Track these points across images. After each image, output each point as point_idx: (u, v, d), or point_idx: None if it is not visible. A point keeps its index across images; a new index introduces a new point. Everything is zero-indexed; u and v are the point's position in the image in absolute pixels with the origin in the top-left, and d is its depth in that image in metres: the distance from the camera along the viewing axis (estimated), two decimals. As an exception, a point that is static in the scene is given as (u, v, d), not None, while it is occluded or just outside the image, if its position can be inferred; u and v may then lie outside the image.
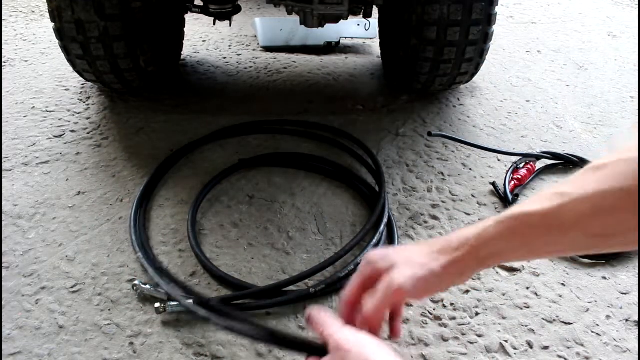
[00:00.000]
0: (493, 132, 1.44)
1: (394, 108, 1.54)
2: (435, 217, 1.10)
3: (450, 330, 0.85)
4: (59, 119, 1.44)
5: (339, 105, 1.55)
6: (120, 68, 1.39)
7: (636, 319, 0.87)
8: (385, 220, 1.02)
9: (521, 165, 1.23)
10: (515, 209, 0.52)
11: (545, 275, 0.95)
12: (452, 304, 0.89)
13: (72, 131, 1.38)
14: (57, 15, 1.28)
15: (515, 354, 0.81)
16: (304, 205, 1.12)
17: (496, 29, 1.38)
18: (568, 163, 1.26)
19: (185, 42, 1.80)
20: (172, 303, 0.83)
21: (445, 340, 0.83)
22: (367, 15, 1.38)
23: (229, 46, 1.98)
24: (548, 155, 1.26)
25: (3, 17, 2.21)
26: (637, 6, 2.58)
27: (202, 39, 2.04)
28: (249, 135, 1.36)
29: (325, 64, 1.84)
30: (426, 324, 0.86)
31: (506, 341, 0.83)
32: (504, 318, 0.87)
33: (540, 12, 2.50)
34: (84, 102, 1.54)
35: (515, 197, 1.14)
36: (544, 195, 0.50)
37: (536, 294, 0.92)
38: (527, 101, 1.61)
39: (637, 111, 1.57)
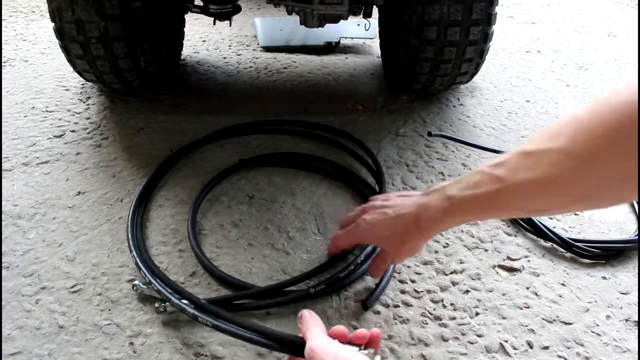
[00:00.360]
0: (493, 132, 1.44)
1: (394, 108, 1.54)
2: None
3: (450, 330, 0.85)
4: (59, 119, 1.44)
5: (339, 105, 1.55)
6: (120, 68, 1.39)
7: (636, 319, 0.87)
8: None
9: (521, 165, 1.23)
10: (460, 193, 0.63)
11: (545, 275, 0.95)
12: (452, 304, 0.89)
13: (72, 131, 1.38)
14: (57, 15, 1.28)
15: (515, 354, 0.81)
16: (304, 205, 1.12)
17: (496, 29, 1.38)
18: (568, 163, 1.26)
19: (185, 42, 1.80)
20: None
21: (445, 340, 0.83)
22: (367, 15, 1.38)
23: (229, 46, 1.99)
24: (548, 155, 1.26)
25: (3, 17, 2.21)
26: (637, 6, 2.58)
27: (202, 39, 2.04)
28: (249, 135, 1.36)
29: (325, 64, 1.85)
30: (426, 324, 0.86)
31: (506, 341, 0.83)
32: (504, 318, 0.87)
33: (540, 12, 2.51)
34: (84, 102, 1.54)
35: (515, 197, 1.14)
36: (483, 178, 0.59)
37: (536, 294, 0.92)
38: (527, 101, 1.61)
39: (637, 111, 1.57)
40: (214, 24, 1.57)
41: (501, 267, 0.98)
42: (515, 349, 0.82)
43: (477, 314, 0.88)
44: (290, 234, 1.04)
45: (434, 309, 0.88)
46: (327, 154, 1.27)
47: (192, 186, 1.16)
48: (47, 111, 1.48)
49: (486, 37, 1.36)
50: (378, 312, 0.87)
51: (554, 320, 0.87)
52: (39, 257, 0.97)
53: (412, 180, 1.22)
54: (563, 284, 0.94)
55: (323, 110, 1.52)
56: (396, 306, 0.89)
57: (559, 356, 0.81)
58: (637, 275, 0.96)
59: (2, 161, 1.24)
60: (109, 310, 0.86)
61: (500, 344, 0.82)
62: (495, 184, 0.57)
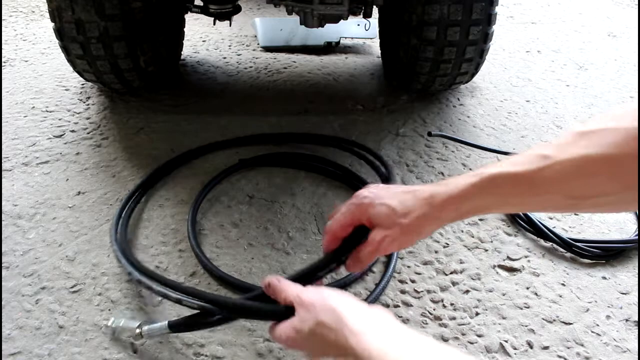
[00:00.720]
0: (493, 132, 1.44)
1: (394, 108, 1.54)
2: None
3: (450, 330, 0.85)
4: (59, 119, 1.44)
5: (339, 105, 1.55)
6: (120, 68, 1.39)
7: (636, 319, 0.87)
8: None
9: (521, 165, 1.22)
10: (496, 169, 0.54)
11: (545, 275, 0.95)
12: (452, 304, 0.89)
13: (72, 131, 1.38)
14: (57, 15, 1.28)
15: (515, 354, 0.81)
16: (304, 205, 1.12)
17: (496, 29, 1.38)
18: (568, 163, 1.26)
19: (185, 42, 1.80)
20: (146, 327, 0.77)
21: (445, 340, 0.83)
22: (367, 15, 1.38)
23: (229, 46, 1.99)
24: (548, 155, 1.26)
25: (3, 17, 2.21)
26: (637, 6, 2.58)
27: (202, 39, 2.04)
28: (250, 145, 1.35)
29: (325, 64, 1.84)
30: (426, 324, 0.86)
31: (506, 341, 0.83)
32: (504, 318, 0.87)
33: (540, 12, 2.50)
34: (84, 102, 1.54)
35: (515, 197, 1.14)
36: (526, 157, 0.52)
37: (536, 294, 0.92)
38: (527, 101, 1.61)
39: (637, 111, 1.57)
40: (214, 24, 1.57)
41: (501, 267, 0.97)
42: (515, 349, 0.82)
43: (477, 314, 0.88)
44: (290, 234, 1.04)
45: (434, 309, 0.88)
46: (327, 154, 1.27)
47: (192, 186, 1.16)
48: (47, 111, 1.48)
49: (486, 37, 1.36)
50: (378, 312, 0.87)
51: (554, 320, 0.87)
52: (39, 257, 0.97)
53: (412, 180, 1.22)
54: (563, 284, 0.94)
55: (323, 110, 1.52)
56: (396, 306, 0.89)
57: (559, 356, 0.81)
58: (637, 275, 0.96)
59: (2, 161, 1.24)
60: (109, 310, 0.86)
61: (500, 344, 0.82)
62: (539, 162, 0.50)
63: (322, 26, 1.30)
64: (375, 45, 1.98)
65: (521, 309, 0.89)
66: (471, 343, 0.83)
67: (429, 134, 1.27)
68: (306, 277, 0.66)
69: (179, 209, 1.10)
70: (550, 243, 1.02)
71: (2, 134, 1.35)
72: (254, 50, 1.95)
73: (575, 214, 1.11)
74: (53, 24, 1.31)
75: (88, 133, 1.38)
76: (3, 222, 1.05)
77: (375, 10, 1.52)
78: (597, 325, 0.86)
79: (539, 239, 1.04)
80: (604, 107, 1.59)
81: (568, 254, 1.00)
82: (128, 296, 0.89)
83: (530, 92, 1.67)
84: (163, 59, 1.55)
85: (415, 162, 1.28)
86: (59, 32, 1.32)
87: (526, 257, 1.00)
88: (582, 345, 0.82)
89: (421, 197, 0.59)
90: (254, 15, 2.31)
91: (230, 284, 0.91)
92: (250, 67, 1.80)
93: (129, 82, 1.47)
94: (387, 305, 0.88)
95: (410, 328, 0.50)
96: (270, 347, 0.81)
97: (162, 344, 0.81)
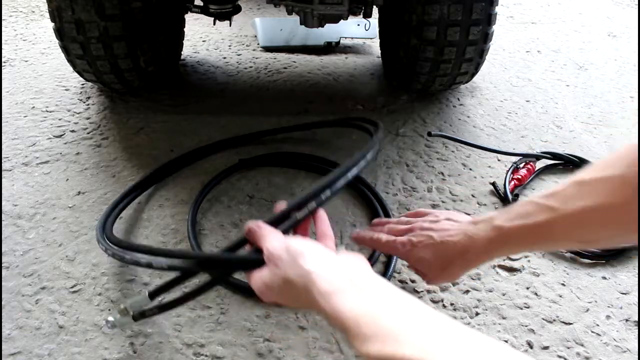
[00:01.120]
0: (493, 132, 1.44)
1: (394, 108, 1.54)
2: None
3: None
4: (59, 119, 1.44)
5: (339, 105, 1.55)
6: (120, 68, 1.39)
7: (636, 319, 0.87)
8: None
9: (521, 165, 1.23)
10: (511, 223, 0.60)
11: (545, 275, 0.95)
12: (452, 304, 0.89)
13: (72, 131, 1.38)
14: (57, 15, 1.28)
15: (515, 354, 0.81)
16: (304, 205, 1.12)
17: (496, 29, 1.38)
18: (568, 163, 1.26)
19: (185, 42, 1.80)
20: (129, 302, 0.74)
21: (445, 340, 0.83)
22: (367, 15, 1.38)
23: (229, 46, 1.99)
24: (548, 155, 1.26)
25: (3, 17, 2.21)
26: (637, 6, 2.58)
27: (202, 39, 2.04)
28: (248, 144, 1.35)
29: (325, 64, 1.85)
30: (426, 324, 0.86)
31: (506, 341, 0.83)
32: (504, 318, 0.87)
33: (540, 12, 2.50)
34: (84, 102, 1.54)
35: (515, 197, 1.14)
36: (534, 208, 0.58)
37: (536, 294, 0.92)
38: (527, 101, 1.61)
39: (637, 111, 1.57)
40: (214, 24, 1.57)
41: (501, 267, 0.97)
42: (515, 348, 0.82)
43: (477, 314, 0.88)
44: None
45: (434, 309, 0.88)
46: (327, 154, 1.27)
47: (192, 186, 1.16)
48: (47, 111, 1.48)
49: (486, 37, 1.36)
50: (378, 312, 0.87)
51: (554, 320, 0.87)
52: (39, 257, 0.97)
53: (412, 180, 1.22)
54: (563, 284, 0.94)
55: (323, 110, 1.52)
56: (396, 306, 0.89)
57: (559, 356, 0.81)
58: (637, 275, 0.96)
59: (2, 161, 1.24)
60: (109, 310, 0.86)
61: (500, 344, 0.82)
62: (546, 214, 0.55)
63: (322, 26, 1.30)
64: (375, 45, 1.98)
65: (521, 309, 0.89)
66: (471, 343, 0.83)
67: (429, 134, 1.27)
68: (283, 219, 0.63)
69: (179, 209, 1.10)
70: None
71: (2, 134, 1.35)
72: (254, 50, 1.95)
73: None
74: (53, 24, 1.31)
75: (88, 133, 1.38)
76: (3, 222, 1.05)
77: (375, 10, 1.52)
78: (597, 325, 0.86)
79: (539, 239, 1.04)
80: (604, 107, 1.59)
81: (568, 254, 1.00)
82: (128, 296, 0.89)
83: (530, 92, 1.67)
84: (163, 59, 1.55)
85: (415, 162, 1.28)
86: (59, 32, 1.32)
87: (526, 257, 1.00)
88: (582, 345, 0.82)
89: (457, 251, 0.67)
90: (254, 15, 2.31)
91: (229, 283, 0.91)
92: (250, 67, 1.81)
93: (129, 82, 1.47)
94: (387, 305, 0.88)
95: (386, 281, 0.46)
96: (270, 347, 0.81)
97: (162, 344, 0.81)
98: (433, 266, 0.71)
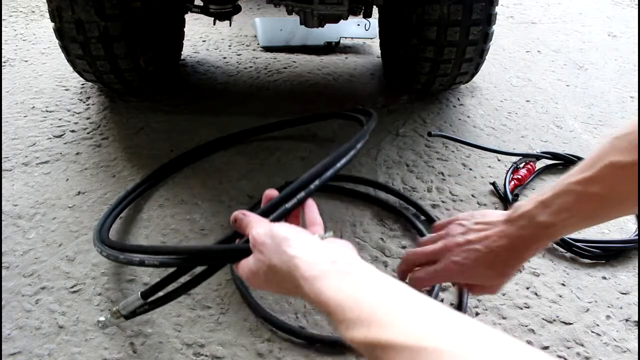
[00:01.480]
0: (493, 132, 1.44)
1: (394, 108, 1.54)
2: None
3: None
4: (59, 119, 1.44)
5: (339, 105, 1.55)
6: (120, 68, 1.39)
7: (636, 319, 0.87)
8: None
9: (521, 165, 1.23)
10: (550, 217, 0.59)
11: (545, 275, 0.95)
12: (452, 304, 0.89)
13: (72, 131, 1.38)
14: (57, 15, 1.28)
15: (515, 354, 0.81)
16: (304, 205, 1.12)
17: (496, 29, 1.38)
18: (568, 163, 1.26)
19: (185, 42, 1.80)
20: (121, 303, 0.74)
21: (445, 340, 0.83)
22: (367, 15, 1.38)
23: (229, 46, 1.99)
24: (548, 155, 1.26)
25: (3, 17, 2.21)
26: (637, 6, 2.58)
27: (202, 39, 2.04)
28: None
29: (325, 64, 1.84)
30: (426, 324, 0.86)
31: (506, 341, 0.83)
32: (504, 318, 0.87)
33: (540, 12, 2.50)
34: (84, 102, 1.54)
35: (515, 197, 1.14)
36: (577, 199, 0.57)
37: (536, 294, 0.92)
38: (527, 101, 1.61)
39: (637, 111, 1.57)
40: (214, 24, 1.57)
41: (501, 267, 0.97)
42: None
43: (477, 314, 0.88)
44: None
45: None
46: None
47: (192, 186, 1.16)
48: (47, 111, 1.48)
49: (486, 37, 1.36)
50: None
51: (554, 320, 0.87)
52: (39, 257, 0.97)
53: (412, 180, 1.22)
54: (563, 284, 0.94)
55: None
56: (396, 306, 0.88)
57: (559, 356, 0.81)
58: (637, 275, 0.96)
59: (2, 161, 1.24)
60: (109, 310, 0.86)
61: (500, 344, 0.82)
62: (594, 203, 0.55)
63: (322, 26, 1.30)
64: (375, 45, 1.98)
65: (521, 309, 0.89)
66: (471, 343, 0.82)
67: (429, 134, 1.27)
68: (273, 210, 0.63)
69: (179, 209, 1.10)
70: (551, 243, 1.02)
71: (2, 134, 1.35)
72: (254, 50, 1.95)
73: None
74: (53, 24, 1.31)
75: (88, 133, 1.38)
76: (3, 222, 1.05)
77: (375, 10, 1.52)
78: (597, 325, 0.86)
79: (539, 239, 1.04)
80: (604, 107, 1.59)
81: (568, 254, 1.00)
82: (128, 296, 0.88)
83: (530, 92, 1.67)
84: (163, 59, 1.55)
85: (415, 162, 1.28)
86: (59, 32, 1.32)
87: (526, 257, 1.00)
88: (582, 345, 0.82)
89: (508, 257, 0.65)
90: (254, 15, 2.31)
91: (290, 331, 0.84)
92: (250, 67, 1.81)
93: (129, 82, 1.47)
94: (387, 305, 0.88)
95: (371, 265, 0.45)
96: (270, 347, 0.81)
97: (162, 344, 0.81)
98: (490, 277, 0.68)
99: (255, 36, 2.04)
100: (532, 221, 0.61)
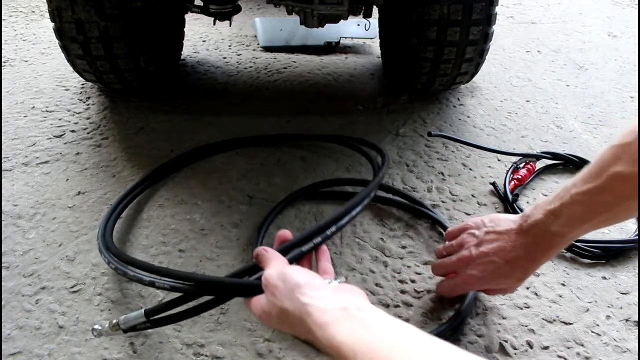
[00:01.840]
0: (493, 132, 1.44)
1: (394, 108, 1.54)
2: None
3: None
4: (59, 119, 1.44)
5: (339, 106, 1.55)
6: (120, 68, 1.39)
7: (636, 319, 0.87)
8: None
9: (521, 165, 1.23)
10: (564, 227, 0.64)
11: (545, 275, 0.95)
12: (452, 304, 0.89)
13: (72, 131, 1.38)
14: (57, 15, 1.28)
15: (515, 354, 0.81)
16: (304, 205, 1.12)
17: (496, 29, 1.38)
18: (568, 163, 1.26)
19: (185, 42, 1.80)
20: (122, 317, 0.72)
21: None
22: (367, 15, 1.38)
23: (229, 46, 1.99)
24: (548, 155, 1.26)
25: (3, 17, 2.21)
26: (637, 6, 2.58)
27: (202, 39, 2.04)
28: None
29: (325, 64, 1.85)
30: (426, 323, 0.86)
31: (506, 341, 0.83)
32: (504, 318, 0.87)
33: (540, 12, 2.51)
34: (84, 102, 1.54)
35: (515, 197, 1.14)
36: (588, 208, 0.61)
37: (536, 294, 0.92)
38: (527, 101, 1.61)
39: (637, 111, 1.57)
40: (214, 24, 1.57)
41: (501, 267, 0.97)
42: (515, 349, 0.82)
43: (477, 314, 0.88)
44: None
45: (434, 309, 0.88)
46: (326, 156, 1.27)
47: (192, 186, 1.16)
48: (47, 111, 1.48)
49: (486, 37, 1.36)
50: (378, 312, 0.87)
51: (554, 320, 0.87)
52: (39, 257, 0.97)
53: (412, 180, 1.22)
54: (563, 284, 0.94)
55: (323, 110, 1.52)
56: (396, 306, 0.89)
57: (559, 356, 0.81)
58: (637, 275, 0.96)
59: (2, 161, 1.24)
60: (109, 310, 0.86)
61: (500, 344, 0.82)
62: (605, 212, 0.59)
63: (322, 26, 1.30)
64: (375, 45, 1.99)
65: (521, 309, 0.89)
66: (471, 343, 0.83)
67: (429, 134, 1.27)
68: (288, 251, 0.66)
69: (179, 209, 1.10)
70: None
71: (2, 134, 1.35)
72: (254, 50, 1.95)
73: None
74: (53, 24, 1.31)
75: (88, 133, 1.38)
76: (3, 222, 1.05)
77: (375, 10, 1.53)
78: (597, 325, 0.86)
79: (539, 239, 1.04)
80: (604, 107, 1.59)
81: (568, 254, 1.00)
82: (128, 296, 0.89)
83: (530, 92, 1.67)
84: (163, 59, 1.55)
85: (415, 162, 1.28)
86: (59, 32, 1.32)
87: (526, 257, 1.00)
88: (582, 345, 0.82)
89: (526, 267, 0.71)
90: (254, 15, 2.31)
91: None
92: (250, 67, 1.81)
93: (129, 82, 1.47)
94: (387, 306, 0.88)
95: (381, 310, 0.46)
96: (270, 347, 0.81)
97: (162, 344, 0.81)
98: (507, 284, 0.74)
99: (255, 36, 2.04)
100: (546, 231, 0.66)
